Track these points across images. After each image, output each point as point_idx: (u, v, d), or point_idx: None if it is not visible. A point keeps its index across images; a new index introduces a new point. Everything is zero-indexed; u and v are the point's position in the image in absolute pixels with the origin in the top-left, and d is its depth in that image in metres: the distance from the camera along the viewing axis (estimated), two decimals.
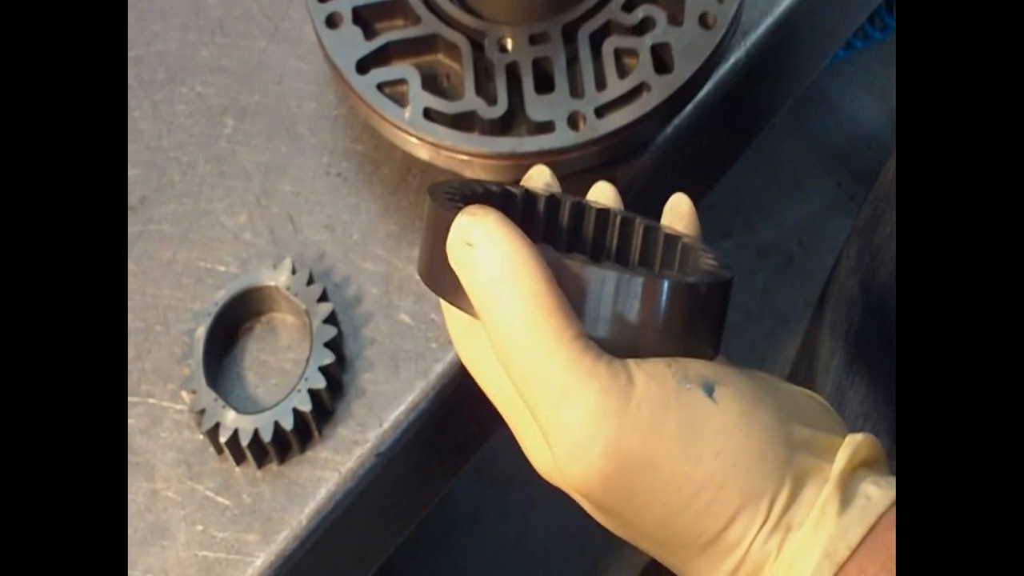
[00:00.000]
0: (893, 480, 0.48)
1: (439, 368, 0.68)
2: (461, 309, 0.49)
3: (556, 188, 0.58)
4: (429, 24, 0.68)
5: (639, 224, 0.56)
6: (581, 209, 0.56)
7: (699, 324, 0.50)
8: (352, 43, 0.68)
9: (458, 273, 0.48)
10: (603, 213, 0.56)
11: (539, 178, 0.58)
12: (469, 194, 0.53)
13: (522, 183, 0.58)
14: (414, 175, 0.73)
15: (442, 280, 0.49)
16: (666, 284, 0.48)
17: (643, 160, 0.71)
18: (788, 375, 0.92)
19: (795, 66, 0.83)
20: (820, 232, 1.54)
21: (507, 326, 0.46)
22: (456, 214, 0.48)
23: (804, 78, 0.86)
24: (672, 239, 0.55)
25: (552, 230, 0.56)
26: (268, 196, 0.74)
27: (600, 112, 0.65)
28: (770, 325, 1.52)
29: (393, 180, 0.73)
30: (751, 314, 1.52)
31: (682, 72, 0.66)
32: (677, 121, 0.71)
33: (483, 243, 0.47)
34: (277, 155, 0.75)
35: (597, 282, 0.47)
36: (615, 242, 0.56)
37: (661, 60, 0.67)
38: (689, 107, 0.70)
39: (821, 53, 0.87)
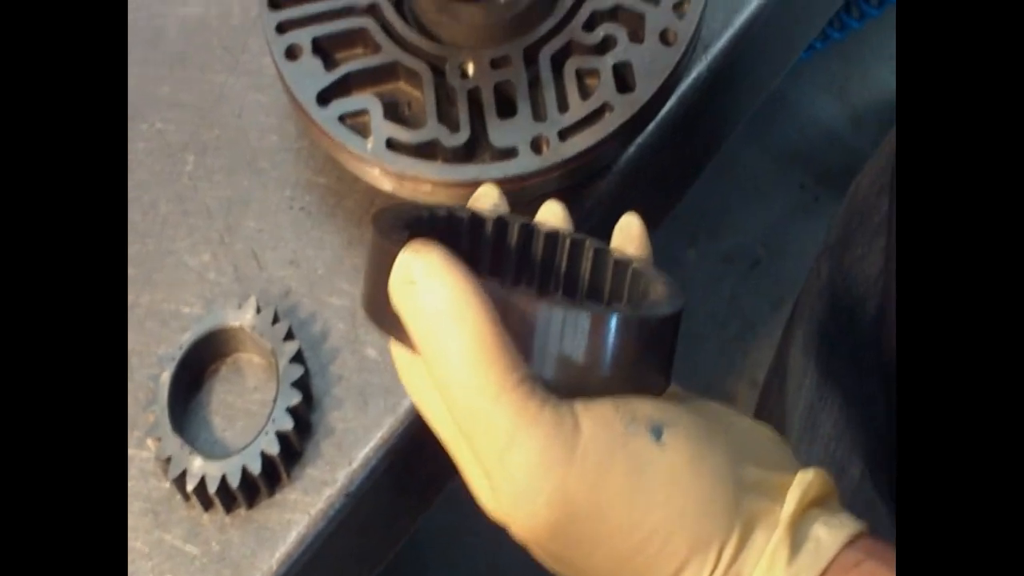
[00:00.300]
0: (844, 518, 0.47)
1: (407, 403, 0.66)
2: (404, 346, 0.48)
3: (504, 208, 0.56)
4: (389, 52, 0.67)
5: (589, 247, 0.55)
6: (530, 232, 0.55)
7: (650, 357, 0.48)
8: (312, 75, 0.67)
9: (400, 312, 0.46)
10: (552, 236, 0.55)
11: (487, 199, 0.57)
12: (415, 220, 0.52)
13: (470, 204, 0.56)
14: (378, 206, 0.71)
15: (385, 316, 0.47)
16: (614, 321, 0.47)
17: (607, 181, 0.70)
18: (760, 392, 0.91)
19: (757, 75, 0.82)
20: (785, 235, 1.54)
21: (451, 369, 0.45)
22: (399, 247, 0.46)
23: (766, 86, 0.86)
24: (622, 263, 0.54)
25: (500, 254, 0.54)
26: (231, 233, 0.72)
27: (563, 135, 0.64)
28: (737, 330, 1.51)
29: (357, 212, 0.72)
30: (718, 320, 1.52)
31: (644, 91, 0.65)
32: (640, 140, 0.70)
33: (426, 281, 0.45)
34: (239, 190, 0.73)
35: (544, 320, 0.46)
36: (564, 266, 0.55)
37: (623, 79, 0.66)
38: (652, 125, 0.69)
39: (783, 60, 0.86)
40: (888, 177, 0.69)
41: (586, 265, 0.55)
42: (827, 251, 0.79)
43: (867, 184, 0.76)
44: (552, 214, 0.56)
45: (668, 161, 0.75)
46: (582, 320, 0.46)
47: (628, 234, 0.55)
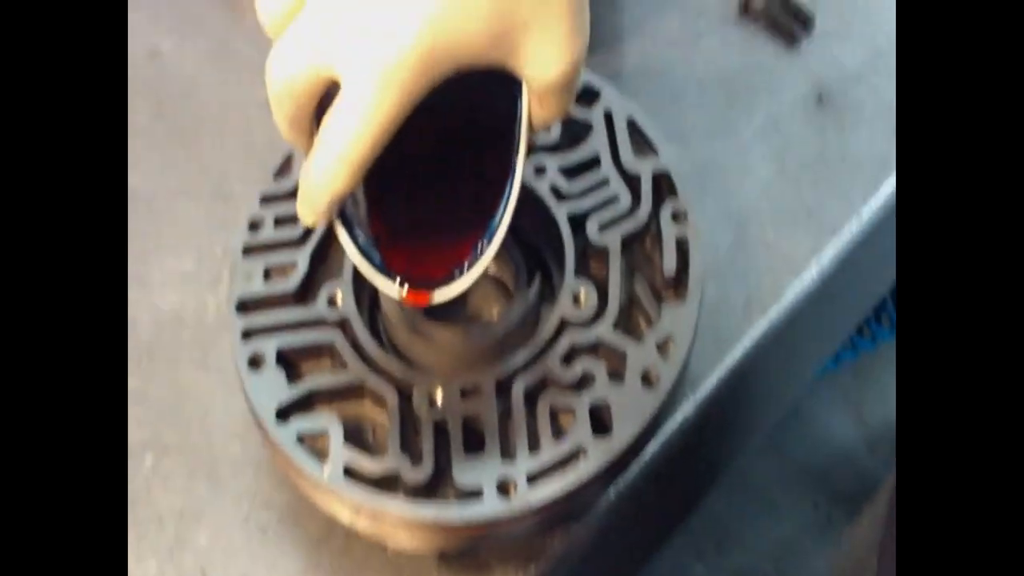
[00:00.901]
0: None
1: None
2: None
3: None
4: (356, 371, 0.64)
5: None
6: None
7: None
8: (274, 387, 0.64)
9: None
10: None
11: None
12: None
13: None
14: (337, 535, 0.67)
15: None
16: None
17: (583, 525, 0.65)
18: None
19: (751, 416, 0.79)
20: (797, 555, 1.47)
21: None
22: None
23: (763, 425, 0.82)
24: None
25: None
26: (181, 545, 0.68)
27: (532, 478, 0.60)
28: None
29: (316, 536, 0.67)
30: None
31: (622, 435, 0.61)
32: (620, 485, 0.66)
33: None
34: (195, 499, 0.69)
35: None
36: None
37: (600, 420, 0.62)
38: (634, 469, 0.66)
39: (780, 399, 0.83)
40: (880, 534, 0.64)
41: None
42: None
43: (860, 536, 0.71)
44: None
45: (653, 502, 0.71)
46: None
47: None
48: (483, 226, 0.57)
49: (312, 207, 0.55)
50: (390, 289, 0.58)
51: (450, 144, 0.60)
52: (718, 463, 0.78)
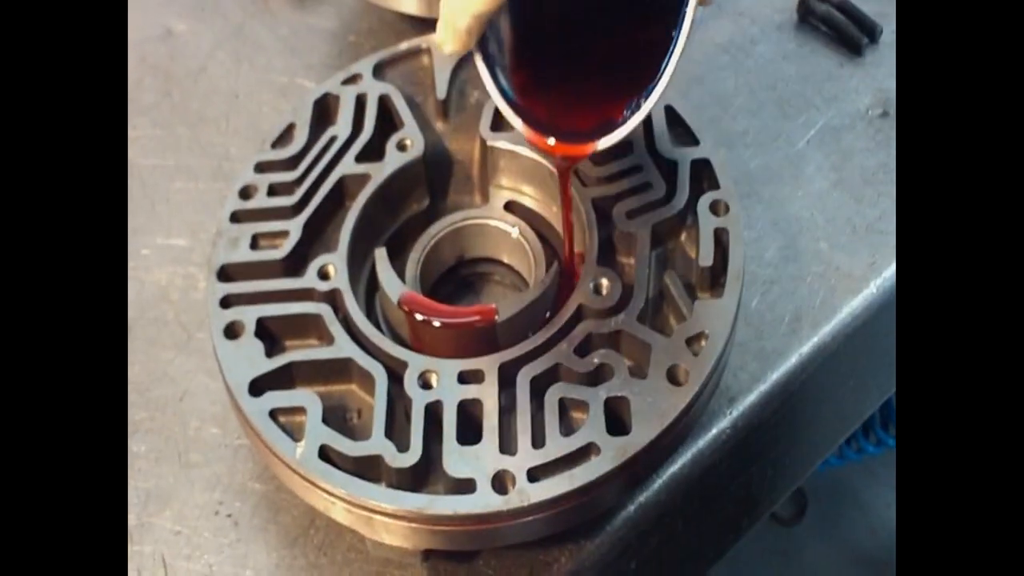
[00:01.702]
0: None
1: None
2: None
3: None
4: (343, 347, 0.57)
5: None
6: None
7: None
8: (250, 358, 0.57)
9: None
10: None
11: None
12: None
13: None
14: (318, 528, 0.60)
15: None
16: None
17: (596, 541, 0.57)
18: None
19: (796, 446, 0.70)
20: None
21: None
22: None
23: (809, 462, 0.74)
24: None
25: None
26: (142, 531, 0.61)
27: (533, 475, 0.52)
28: None
29: (293, 531, 0.60)
30: None
31: (641, 434, 0.53)
32: (642, 498, 0.58)
33: None
34: (162, 483, 0.63)
35: None
36: None
37: (617, 418, 0.55)
38: (659, 483, 0.58)
39: (830, 431, 0.74)
40: None
41: None
42: None
43: None
44: None
45: (681, 528, 0.62)
46: None
47: None
48: (637, 78, 0.53)
49: (453, 28, 0.52)
50: (526, 131, 0.54)
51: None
52: (758, 498, 0.69)
